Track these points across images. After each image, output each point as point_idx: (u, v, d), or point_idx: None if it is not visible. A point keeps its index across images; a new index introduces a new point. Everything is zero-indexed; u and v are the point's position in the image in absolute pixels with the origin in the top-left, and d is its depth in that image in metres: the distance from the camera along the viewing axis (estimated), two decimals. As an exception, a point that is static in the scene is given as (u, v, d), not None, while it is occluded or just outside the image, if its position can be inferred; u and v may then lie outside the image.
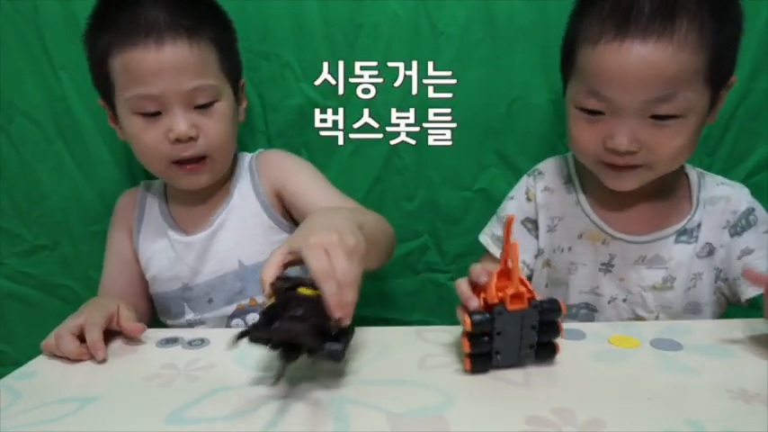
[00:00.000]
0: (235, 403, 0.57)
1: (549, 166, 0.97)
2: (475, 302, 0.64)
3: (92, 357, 0.72)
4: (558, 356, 0.67)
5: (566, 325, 0.76)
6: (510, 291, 0.61)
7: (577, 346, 0.71)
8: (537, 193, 0.95)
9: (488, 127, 1.05)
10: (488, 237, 0.97)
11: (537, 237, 0.95)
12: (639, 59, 0.74)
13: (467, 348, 0.63)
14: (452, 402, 0.59)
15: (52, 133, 1.10)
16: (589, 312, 0.92)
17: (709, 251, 0.88)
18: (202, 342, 0.77)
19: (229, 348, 0.57)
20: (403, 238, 1.12)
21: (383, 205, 1.10)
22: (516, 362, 0.64)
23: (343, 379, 0.64)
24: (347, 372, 0.65)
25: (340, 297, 0.57)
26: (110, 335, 0.77)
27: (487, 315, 0.62)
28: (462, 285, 0.67)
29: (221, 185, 0.99)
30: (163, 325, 1.02)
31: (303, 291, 0.60)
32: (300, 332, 0.56)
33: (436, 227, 1.11)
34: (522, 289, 0.62)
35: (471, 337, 0.62)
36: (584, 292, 0.92)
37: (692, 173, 0.92)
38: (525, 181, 0.97)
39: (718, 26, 0.75)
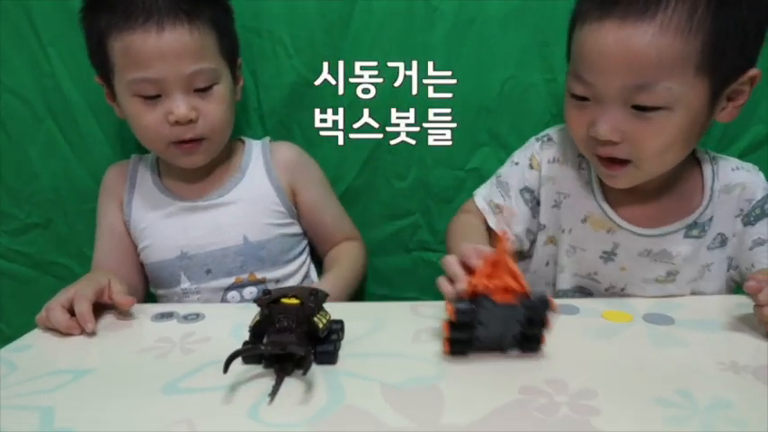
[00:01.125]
0: (231, 375, 0.57)
1: (562, 133, 0.91)
2: (463, 285, 0.61)
3: (83, 331, 0.72)
4: (552, 330, 0.68)
5: (560, 301, 0.76)
6: (499, 282, 0.59)
7: (570, 321, 0.72)
8: (542, 163, 0.90)
9: (481, 106, 1.05)
10: (485, 201, 0.94)
11: (532, 209, 0.91)
12: (616, 42, 0.70)
13: (446, 333, 0.61)
14: (446, 374, 0.59)
15: (42, 111, 1.08)
16: (583, 297, 0.90)
17: (722, 241, 0.86)
18: (197, 317, 0.77)
19: (224, 373, 0.56)
20: (394, 216, 1.12)
21: (375, 184, 1.10)
22: (498, 348, 0.63)
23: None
24: (341, 345, 0.65)
25: None
26: (103, 309, 0.78)
27: (472, 306, 0.59)
28: (452, 264, 0.65)
29: (224, 163, 1.01)
30: (155, 298, 1.02)
31: (286, 301, 0.61)
32: (291, 342, 0.58)
33: (428, 206, 1.11)
34: (513, 283, 0.59)
35: (453, 323, 0.61)
36: (581, 276, 0.90)
37: (705, 160, 0.86)
38: (532, 146, 0.93)
39: (718, 9, 0.68)
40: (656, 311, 0.73)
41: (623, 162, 0.78)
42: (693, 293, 0.86)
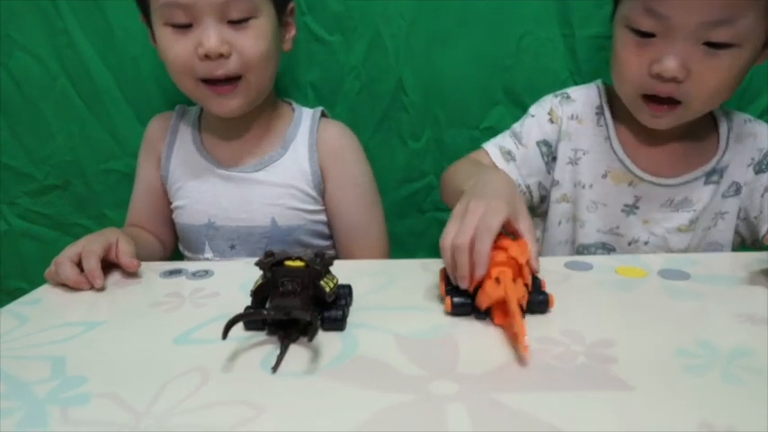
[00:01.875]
0: (243, 326, 0.57)
1: (579, 93, 0.91)
2: (465, 284, 0.58)
3: (91, 287, 0.72)
4: (566, 285, 0.68)
5: (573, 258, 0.75)
6: (496, 297, 0.55)
7: (584, 276, 0.71)
8: (563, 119, 0.89)
9: (496, 63, 1.03)
10: (496, 147, 0.91)
11: (547, 163, 0.90)
12: None
13: (448, 307, 0.60)
14: (461, 326, 0.58)
15: (55, 69, 1.07)
16: (606, 253, 0.90)
17: (736, 190, 0.86)
18: (206, 273, 0.76)
19: (222, 339, 0.53)
20: (409, 178, 1.11)
21: (389, 144, 1.09)
22: None
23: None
24: (349, 312, 0.64)
25: None
26: (112, 266, 0.77)
27: (470, 301, 0.59)
28: (462, 255, 0.58)
29: (265, 124, 0.96)
30: (183, 258, 1.02)
31: (290, 264, 0.57)
32: (295, 307, 0.54)
33: (443, 166, 1.09)
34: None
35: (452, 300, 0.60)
36: (603, 231, 0.90)
37: (718, 111, 0.88)
38: (550, 101, 0.91)
39: None
40: (670, 267, 0.72)
41: (673, 103, 0.77)
42: (710, 243, 0.87)
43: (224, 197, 0.94)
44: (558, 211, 0.93)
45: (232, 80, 0.85)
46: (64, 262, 0.73)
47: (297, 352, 0.54)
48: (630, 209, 0.88)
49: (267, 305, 0.57)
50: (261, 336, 0.57)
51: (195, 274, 0.76)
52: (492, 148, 0.91)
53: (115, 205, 1.12)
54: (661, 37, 0.73)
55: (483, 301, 0.57)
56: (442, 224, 1.13)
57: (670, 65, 0.73)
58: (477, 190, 0.67)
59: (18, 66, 1.07)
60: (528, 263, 0.59)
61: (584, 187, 0.89)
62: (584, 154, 0.89)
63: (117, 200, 1.12)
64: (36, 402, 0.47)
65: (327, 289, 0.57)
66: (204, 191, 0.95)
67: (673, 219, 0.86)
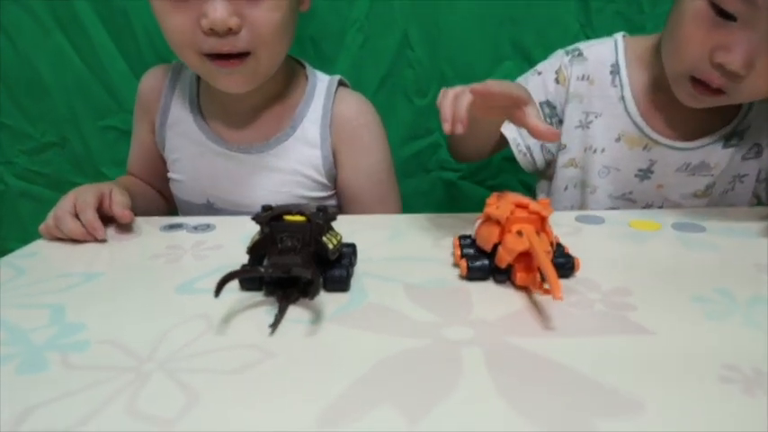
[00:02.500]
0: (239, 286, 0.55)
1: (593, 50, 0.86)
2: (448, 128, 0.58)
3: (94, 239, 0.70)
4: (577, 237, 0.66)
5: (584, 212, 0.74)
6: (520, 249, 0.50)
7: (596, 230, 0.69)
8: (571, 79, 0.84)
9: (505, 16, 1.00)
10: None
11: (550, 125, 0.85)
12: None
13: (464, 271, 0.55)
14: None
15: (49, 22, 1.04)
16: None
17: (757, 152, 0.83)
18: (208, 227, 0.74)
19: (215, 297, 0.48)
20: (415, 136, 1.09)
21: (394, 102, 1.06)
22: None
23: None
24: (359, 251, 0.62)
25: None
26: (109, 221, 0.75)
27: (486, 262, 0.54)
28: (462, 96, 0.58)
29: (273, 98, 0.85)
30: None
31: (289, 218, 0.52)
32: (295, 264, 0.49)
33: (449, 124, 1.08)
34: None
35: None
36: (615, 197, 0.87)
37: None
38: (560, 58, 0.86)
39: None
40: (685, 221, 0.70)
41: (720, 92, 0.71)
42: (721, 206, 0.84)
43: (223, 178, 0.86)
44: (564, 176, 0.89)
45: (241, 54, 0.74)
46: (63, 216, 0.70)
47: (302, 301, 0.52)
48: (644, 173, 0.84)
49: (264, 263, 0.54)
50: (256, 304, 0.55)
51: (197, 228, 0.74)
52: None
53: (114, 164, 1.10)
54: (741, 24, 0.65)
55: (503, 257, 0.52)
56: (447, 184, 1.13)
57: (737, 59, 0.65)
58: None
59: (10, 19, 1.04)
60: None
61: (595, 152, 0.85)
62: (595, 117, 0.85)
63: (115, 159, 1.10)
64: (34, 349, 0.45)
65: (330, 246, 0.52)
66: (202, 168, 0.87)
67: (688, 184, 0.83)
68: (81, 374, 0.42)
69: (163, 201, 0.97)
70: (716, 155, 0.82)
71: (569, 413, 0.36)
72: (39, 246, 0.72)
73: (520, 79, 0.89)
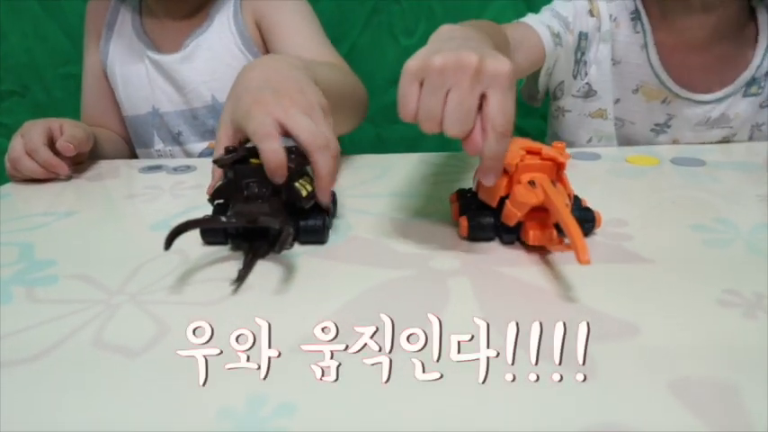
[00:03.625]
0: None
1: None
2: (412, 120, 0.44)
3: (58, 176, 0.68)
4: (572, 172, 0.63)
5: (579, 149, 0.71)
6: (533, 203, 0.42)
7: (592, 166, 0.67)
8: (602, 14, 0.78)
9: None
10: (545, 27, 0.76)
11: (577, 62, 0.79)
12: None
13: (464, 231, 0.47)
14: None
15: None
16: None
17: None
18: (188, 168, 0.72)
19: (165, 250, 0.41)
20: (401, 79, 1.05)
21: (380, 42, 1.03)
22: None
23: (339, 193, 0.59)
24: (343, 187, 0.60)
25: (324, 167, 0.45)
26: (90, 162, 0.72)
27: (491, 219, 0.46)
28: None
29: (201, 4, 0.87)
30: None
31: (256, 162, 0.45)
32: (263, 213, 0.43)
33: (437, 65, 1.04)
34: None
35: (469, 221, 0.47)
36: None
37: (759, 7, 0.76)
38: None
39: None
40: (684, 155, 0.68)
41: None
42: None
43: (160, 82, 0.87)
44: (590, 127, 0.83)
45: None
46: (18, 157, 0.67)
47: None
48: (661, 128, 0.80)
49: (228, 212, 0.46)
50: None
51: (176, 169, 0.71)
52: (540, 26, 0.76)
53: (78, 113, 1.06)
54: None
55: (512, 213, 0.43)
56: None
57: None
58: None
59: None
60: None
61: (609, 102, 0.81)
62: (616, 64, 0.79)
63: (79, 107, 1.05)
64: (-1, 284, 0.43)
65: (304, 192, 0.46)
66: (141, 75, 0.88)
67: (707, 137, 0.79)
68: (47, 307, 0.39)
69: (126, 145, 0.95)
70: (737, 106, 0.78)
71: (561, 341, 0.34)
72: (9, 188, 0.69)
73: (556, 4, 0.80)
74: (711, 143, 0.79)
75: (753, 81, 0.77)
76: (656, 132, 0.81)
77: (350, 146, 1.02)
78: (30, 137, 0.68)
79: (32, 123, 0.72)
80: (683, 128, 0.79)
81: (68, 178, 0.68)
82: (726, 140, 0.79)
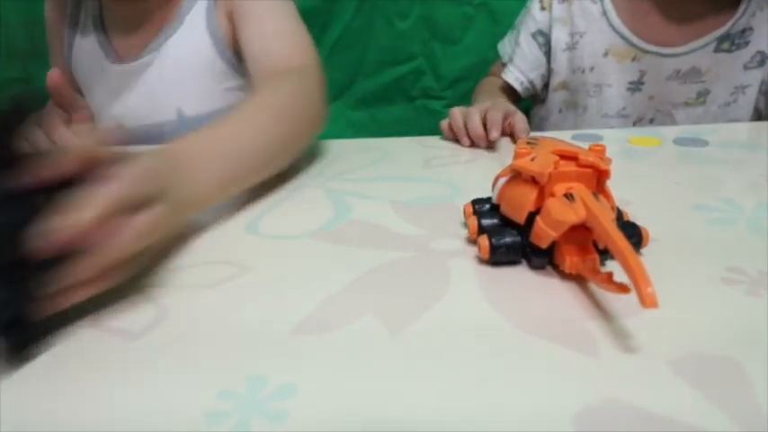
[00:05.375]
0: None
1: None
2: (473, 141, 0.65)
3: None
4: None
5: (578, 131, 0.70)
6: (572, 221, 0.34)
7: (593, 148, 0.66)
8: (553, 4, 0.86)
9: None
10: (506, 55, 0.91)
11: (546, 53, 0.87)
12: None
13: (485, 252, 0.39)
14: (463, 192, 0.54)
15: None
16: None
17: (761, 61, 0.79)
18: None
19: None
20: (395, 61, 1.05)
21: (373, 25, 1.01)
22: None
23: (338, 177, 0.58)
24: (341, 171, 0.59)
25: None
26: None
27: (518, 238, 0.39)
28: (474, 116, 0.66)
29: (167, 3, 0.78)
30: None
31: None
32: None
33: (432, 48, 1.03)
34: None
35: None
36: (609, 116, 0.85)
37: None
38: None
39: None
40: (687, 136, 0.67)
41: None
42: (729, 121, 0.81)
43: (126, 93, 0.80)
44: (556, 99, 0.89)
45: None
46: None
47: (282, 217, 0.50)
48: (635, 86, 0.83)
49: None
50: (249, 200, 0.52)
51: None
52: (515, 83, 0.90)
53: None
54: None
55: (545, 232, 0.36)
56: (432, 113, 1.08)
57: None
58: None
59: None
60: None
61: (583, 72, 0.85)
62: (580, 36, 0.84)
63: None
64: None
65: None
66: (104, 87, 0.81)
67: (680, 92, 0.81)
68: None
69: None
70: (707, 59, 0.79)
71: (562, 319, 0.34)
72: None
73: (518, 18, 0.91)
74: (688, 101, 0.81)
75: (726, 37, 0.78)
76: (631, 91, 0.84)
77: (346, 128, 1.01)
78: (44, 122, 0.64)
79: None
80: (656, 83, 0.82)
81: None
82: (701, 95, 0.81)
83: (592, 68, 0.84)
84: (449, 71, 1.04)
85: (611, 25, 0.82)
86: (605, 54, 0.83)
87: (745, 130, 0.72)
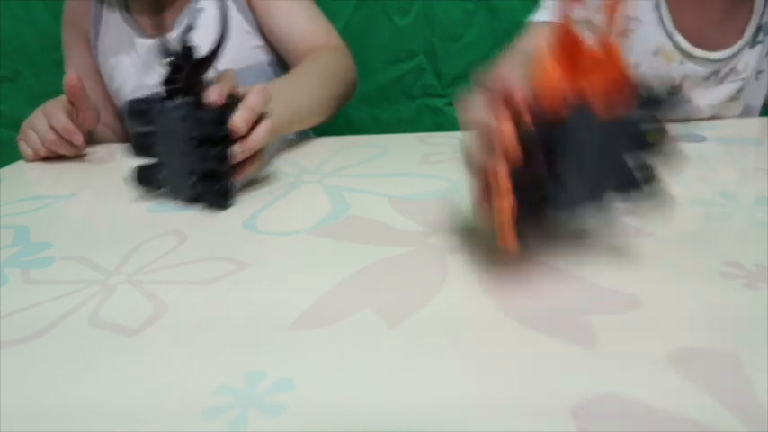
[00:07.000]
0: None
1: None
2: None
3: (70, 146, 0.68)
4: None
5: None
6: (600, 77, 0.32)
7: (591, 143, 0.66)
8: None
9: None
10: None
11: None
12: None
13: (506, 232, 0.33)
14: (460, 187, 0.54)
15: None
16: None
17: None
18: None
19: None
20: (396, 60, 1.04)
21: (374, 22, 1.01)
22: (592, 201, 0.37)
23: (336, 174, 0.59)
24: (339, 168, 0.59)
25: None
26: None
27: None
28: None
29: None
30: None
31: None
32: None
33: (433, 45, 1.03)
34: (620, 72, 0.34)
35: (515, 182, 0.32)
36: None
37: None
38: None
39: None
40: (685, 131, 0.67)
41: None
42: (744, 107, 0.79)
43: (156, 67, 0.81)
44: None
45: None
46: (36, 120, 0.69)
47: (280, 214, 0.50)
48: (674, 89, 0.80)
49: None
50: (246, 197, 0.53)
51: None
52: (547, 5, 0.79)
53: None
54: None
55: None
56: (433, 111, 1.08)
57: None
58: None
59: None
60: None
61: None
62: (636, 25, 0.77)
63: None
64: (-6, 267, 0.43)
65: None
66: (136, 63, 0.85)
67: (717, 93, 0.78)
68: (43, 288, 0.39)
69: (114, 136, 0.92)
70: (744, 58, 0.76)
71: (561, 312, 0.34)
72: (8, 171, 0.68)
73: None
74: (726, 99, 0.78)
75: (758, 30, 0.75)
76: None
77: (346, 127, 1.01)
78: (52, 104, 0.70)
79: (51, 101, 0.73)
80: (694, 86, 0.78)
81: (83, 147, 0.68)
82: (738, 92, 0.77)
83: (637, 65, 0.78)
84: (450, 68, 1.03)
85: (662, 23, 0.76)
86: (655, 53, 0.78)
87: (742, 125, 0.72)
